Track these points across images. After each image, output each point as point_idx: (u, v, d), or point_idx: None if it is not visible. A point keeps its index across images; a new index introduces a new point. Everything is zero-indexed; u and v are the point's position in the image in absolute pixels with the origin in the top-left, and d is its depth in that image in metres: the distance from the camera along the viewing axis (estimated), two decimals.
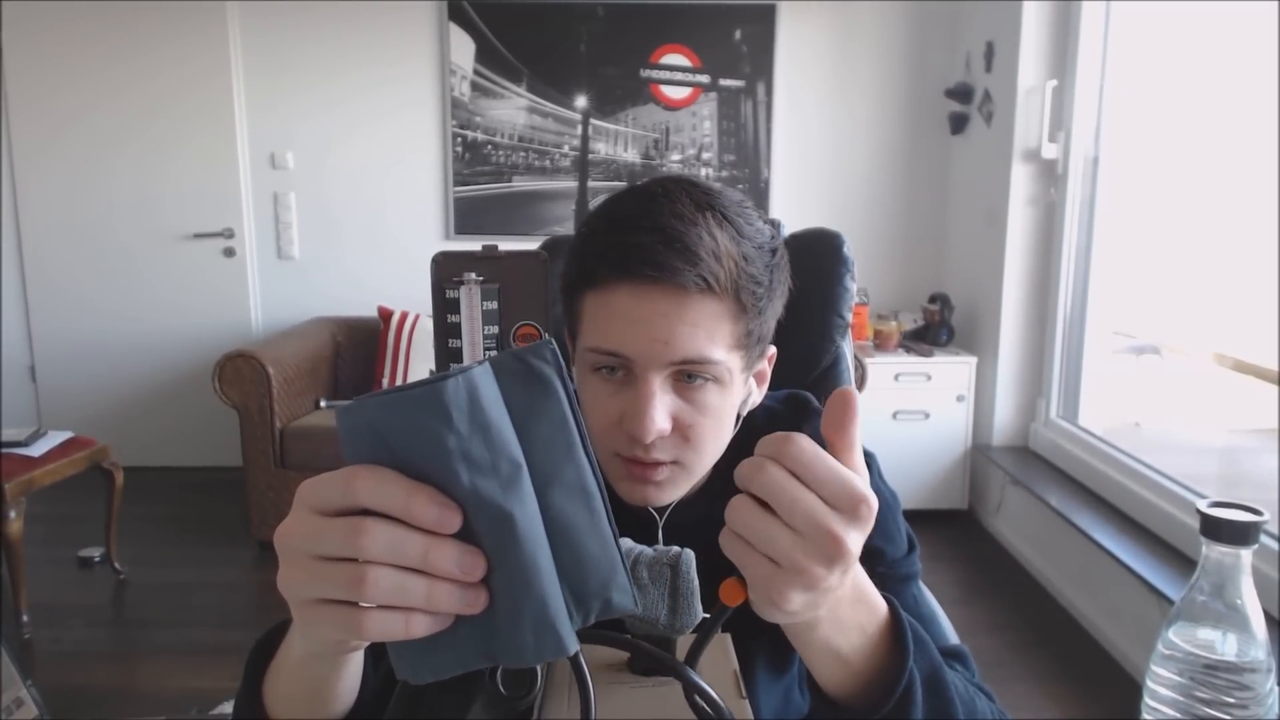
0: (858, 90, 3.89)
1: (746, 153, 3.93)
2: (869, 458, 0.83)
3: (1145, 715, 0.59)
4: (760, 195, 3.92)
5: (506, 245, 0.55)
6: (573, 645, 0.42)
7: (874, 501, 0.48)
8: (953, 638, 0.92)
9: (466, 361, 0.56)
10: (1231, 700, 0.55)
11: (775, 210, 3.92)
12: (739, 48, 3.83)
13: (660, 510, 0.81)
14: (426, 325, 3.59)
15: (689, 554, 0.55)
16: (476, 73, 3.85)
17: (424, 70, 3.87)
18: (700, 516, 0.75)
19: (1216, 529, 0.56)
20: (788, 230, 1.09)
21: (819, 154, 3.94)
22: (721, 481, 0.80)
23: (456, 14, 3.80)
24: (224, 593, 2.97)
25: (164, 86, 3.82)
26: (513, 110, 3.88)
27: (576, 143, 3.92)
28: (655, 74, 3.86)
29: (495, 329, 0.56)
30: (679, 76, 3.86)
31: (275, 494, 3.14)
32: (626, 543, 0.54)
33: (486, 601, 0.42)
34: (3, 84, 3.83)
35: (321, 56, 3.86)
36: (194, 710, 2.22)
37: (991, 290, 3.43)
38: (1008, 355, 3.39)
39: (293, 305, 3.99)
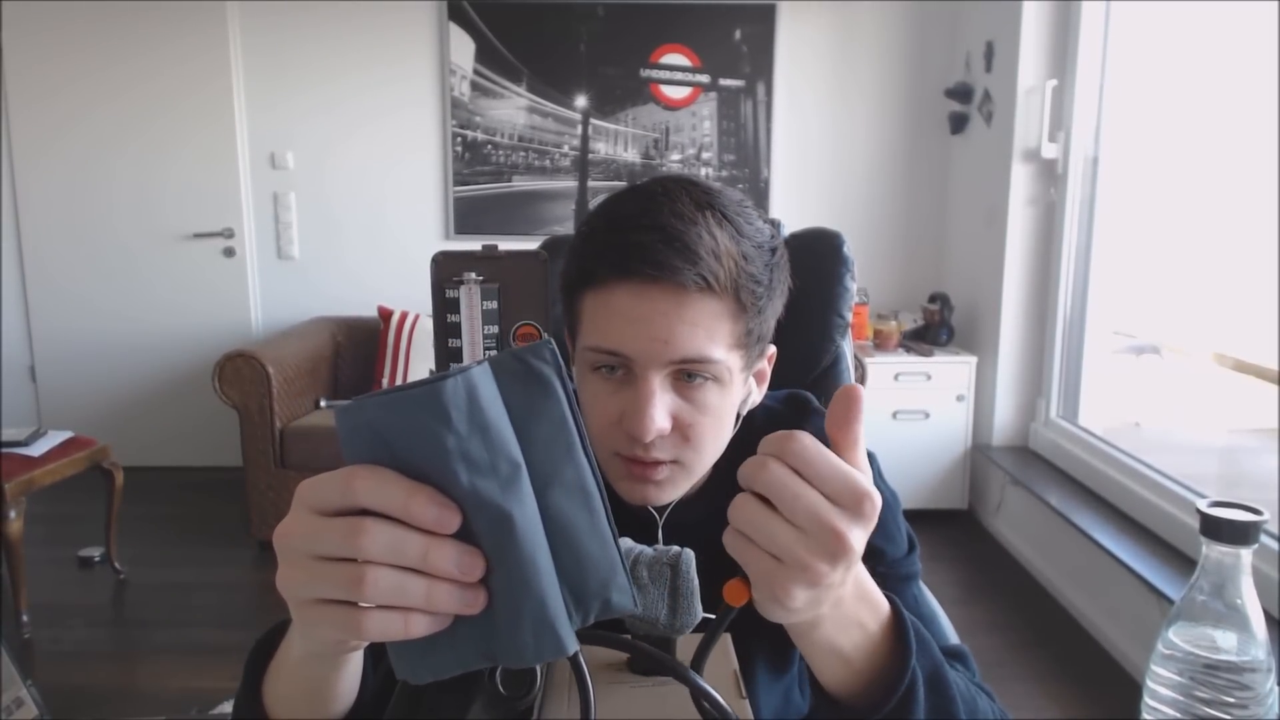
0: (858, 90, 3.89)
1: (746, 152, 3.93)
2: (870, 457, 0.83)
3: (1145, 715, 0.59)
4: (760, 195, 3.92)
5: (506, 245, 0.55)
6: (572, 645, 0.42)
7: (877, 498, 0.47)
8: (953, 637, 0.92)
9: (466, 361, 0.56)
10: (1231, 700, 0.55)
11: (775, 210, 3.92)
12: (739, 48, 3.83)
13: (660, 510, 0.81)
14: (426, 325, 3.59)
15: (689, 554, 0.55)
16: (476, 72, 3.85)
17: (424, 70, 3.87)
18: (700, 516, 0.75)
19: (1216, 529, 0.56)
20: (788, 230, 1.09)
21: (819, 154, 3.94)
22: (721, 481, 0.80)
23: (456, 14, 3.80)
24: (224, 593, 2.97)
25: (164, 86, 3.82)
26: (513, 110, 3.88)
27: (576, 142, 3.92)
28: (655, 74, 3.86)
29: (495, 329, 0.56)
30: (679, 76, 3.86)
31: (275, 494, 3.14)
32: (626, 542, 0.54)
33: (486, 602, 0.42)
34: (3, 84, 3.83)
35: (321, 56, 3.86)
36: (194, 710, 2.22)
37: (991, 290, 3.43)
38: (1008, 355, 3.39)
39: (293, 305, 3.99)
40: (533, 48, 3.83)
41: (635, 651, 0.52)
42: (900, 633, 0.58)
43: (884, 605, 0.58)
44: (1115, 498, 2.80)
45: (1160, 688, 0.58)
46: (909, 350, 3.52)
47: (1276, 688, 0.56)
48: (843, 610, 0.54)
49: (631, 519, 0.80)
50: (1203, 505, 0.57)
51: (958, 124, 3.73)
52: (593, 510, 0.43)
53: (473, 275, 0.56)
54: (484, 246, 0.56)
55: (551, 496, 0.42)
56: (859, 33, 3.85)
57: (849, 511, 0.47)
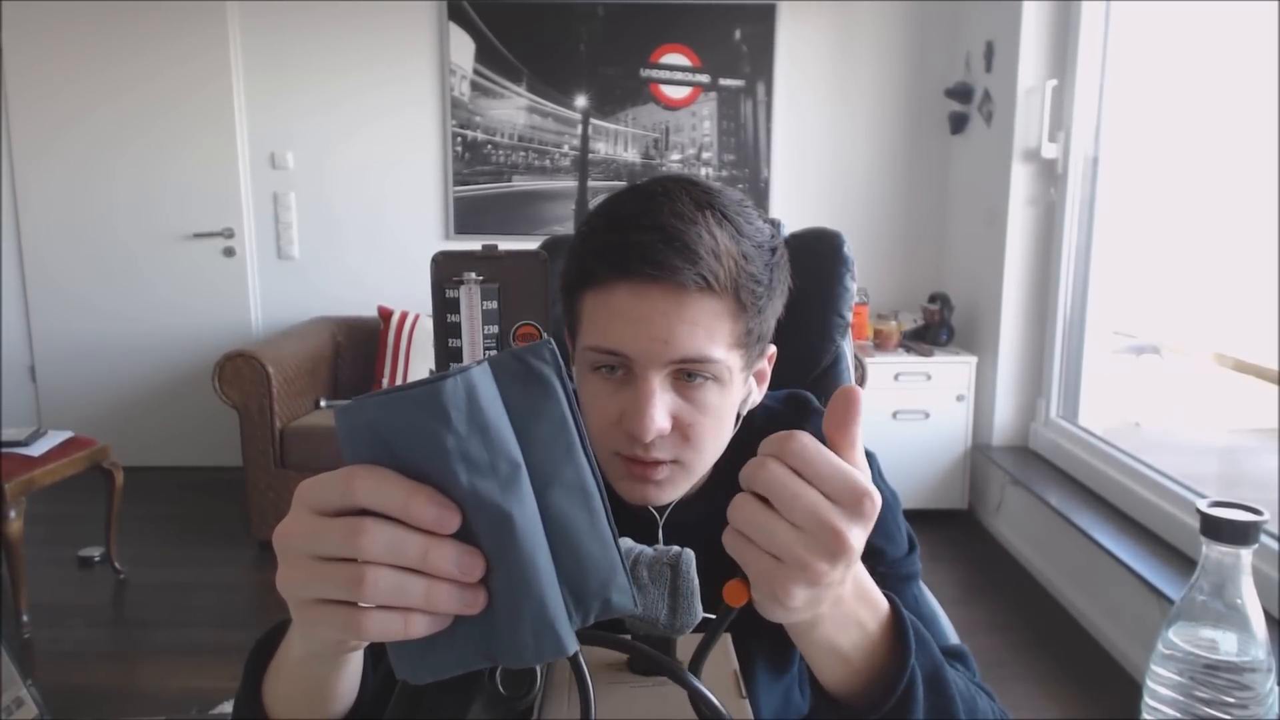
0: (858, 90, 3.89)
1: (746, 152, 3.93)
2: (870, 457, 0.83)
3: (1145, 715, 0.59)
4: (760, 195, 3.92)
5: (506, 245, 0.55)
6: (572, 645, 0.42)
7: (877, 497, 0.47)
8: (953, 637, 0.92)
9: (466, 361, 0.56)
10: (1231, 700, 0.55)
11: (775, 210, 3.92)
12: (739, 47, 3.83)
13: (660, 509, 0.81)
14: (426, 325, 3.59)
15: (689, 554, 0.55)
16: (476, 72, 3.85)
17: (424, 70, 3.87)
18: (700, 516, 0.75)
19: (1216, 529, 0.56)
20: (788, 230, 1.09)
21: (819, 154, 3.94)
22: (722, 481, 0.80)
23: (456, 14, 3.80)
24: (224, 593, 2.97)
25: (164, 86, 3.82)
26: (513, 110, 3.88)
27: (576, 142, 3.92)
28: (655, 74, 3.86)
29: (495, 328, 0.56)
30: (679, 76, 3.86)
31: (275, 494, 3.14)
32: (626, 542, 0.54)
33: (485, 602, 0.42)
34: (3, 84, 3.83)
35: (321, 56, 3.86)
36: (194, 710, 2.23)
37: (991, 290, 3.43)
38: (1008, 355, 3.39)
39: (293, 305, 3.99)
40: (533, 48, 3.83)
41: (634, 653, 0.52)
42: (899, 632, 0.58)
43: (883, 604, 0.58)
44: (1115, 498, 2.80)
45: (1160, 688, 0.58)
46: (909, 350, 3.52)
47: (1276, 688, 0.56)
48: (842, 609, 0.54)
49: (631, 519, 0.80)
50: (1203, 505, 0.57)
51: (958, 124, 3.73)
52: (593, 510, 0.43)
53: (473, 275, 0.56)
54: (484, 246, 0.56)
55: (551, 496, 0.42)
56: (859, 33, 3.85)
57: (848, 510, 0.47)
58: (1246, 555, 0.56)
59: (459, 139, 3.90)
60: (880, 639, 0.57)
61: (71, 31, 3.78)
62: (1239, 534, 0.55)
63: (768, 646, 0.81)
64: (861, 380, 3.14)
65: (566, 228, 3.94)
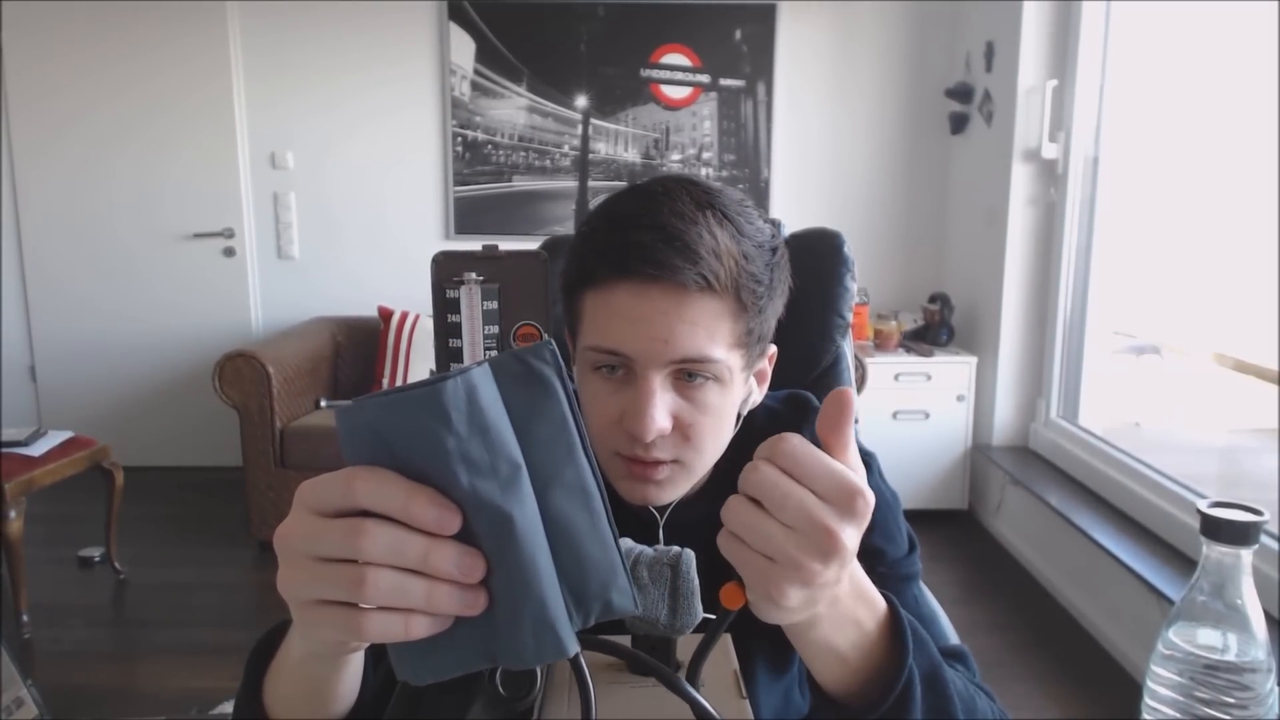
0: (858, 90, 3.89)
1: (746, 153, 3.93)
2: (869, 458, 0.83)
3: (1145, 715, 0.59)
4: (760, 195, 3.92)
5: (506, 245, 0.55)
6: (573, 647, 0.42)
7: (870, 496, 0.47)
8: (953, 638, 0.92)
9: (467, 361, 0.56)
10: (1231, 700, 0.55)
11: (775, 210, 3.92)
12: (739, 48, 3.83)
13: (661, 509, 0.81)
14: (426, 325, 3.59)
15: (689, 554, 0.55)
16: (476, 72, 3.85)
17: (424, 70, 3.87)
18: (701, 516, 0.75)
19: (1216, 529, 0.56)
20: (788, 230, 1.09)
21: (819, 154, 3.94)
22: (722, 481, 0.80)
23: (456, 14, 3.80)
24: (224, 593, 2.97)
25: (164, 86, 3.82)
26: (513, 110, 3.88)
27: (576, 142, 3.92)
28: (655, 74, 3.86)
29: (495, 329, 0.56)
30: (679, 76, 3.86)
31: (275, 494, 3.14)
32: (626, 543, 0.54)
33: (486, 603, 0.42)
34: (3, 84, 3.83)
35: (321, 56, 3.86)
36: (194, 710, 2.22)
37: (991, 290, 3.43)
38: (1008, 355, 3.39)
39: (293, 305, 3.99)
40: (533, 48, 3.83)
41: (633, 661, 0.52)
42: (897, 632, 0.58)
43: (881, 604, 0.58)
44: (1115, 498, 2.80)
45: (1160, 688, 0.58)
46: (909, 350, 3.52)
47: (1276, 688, 0.56)
48: (839, 609, 0.54)
49: (632, 519, 0.80)
50: (1203, 505, 0.57)
51: (958, 124, 3.73)
52: (593, 511, 0.43)
53: (473, 275, 0.56)
54: (484, 246, 0.56)
55: (552, 497, 0.42)
56: (859, 33, 3.85)
57: (840, 509, 0.47)
58: (1246, 555, 0.56)
59: (459, 139, 3.90)
60: (878, 639, 0.57)
61: (71, 31, 3.78)
62: (1239, 534, 0.55)
63: (768, 647, 0.81)
64: (862, 380, 3.14)
65: (567, 228, 3.94)
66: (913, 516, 1.97)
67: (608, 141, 3.91)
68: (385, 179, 3.96)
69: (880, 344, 3.55)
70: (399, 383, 3.50)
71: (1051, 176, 3.23)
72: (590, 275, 0.72)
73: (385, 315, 3.62)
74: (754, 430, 0.79)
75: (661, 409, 0.70)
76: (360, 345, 3.70)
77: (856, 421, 0.54)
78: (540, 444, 0.42)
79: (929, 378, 3.42)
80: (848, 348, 1.14)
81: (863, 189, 3.95)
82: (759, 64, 3.84)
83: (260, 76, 3.87)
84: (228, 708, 2.17)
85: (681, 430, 0.72)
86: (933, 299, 3.63)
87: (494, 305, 0.56)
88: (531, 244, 0.75)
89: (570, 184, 3.95)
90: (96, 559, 3.09)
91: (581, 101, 3.87)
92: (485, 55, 3.83)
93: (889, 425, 3.41)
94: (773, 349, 0.81)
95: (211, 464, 4.07)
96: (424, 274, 0.93)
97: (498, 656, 0.42)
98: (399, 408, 0.39)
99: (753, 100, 3.88)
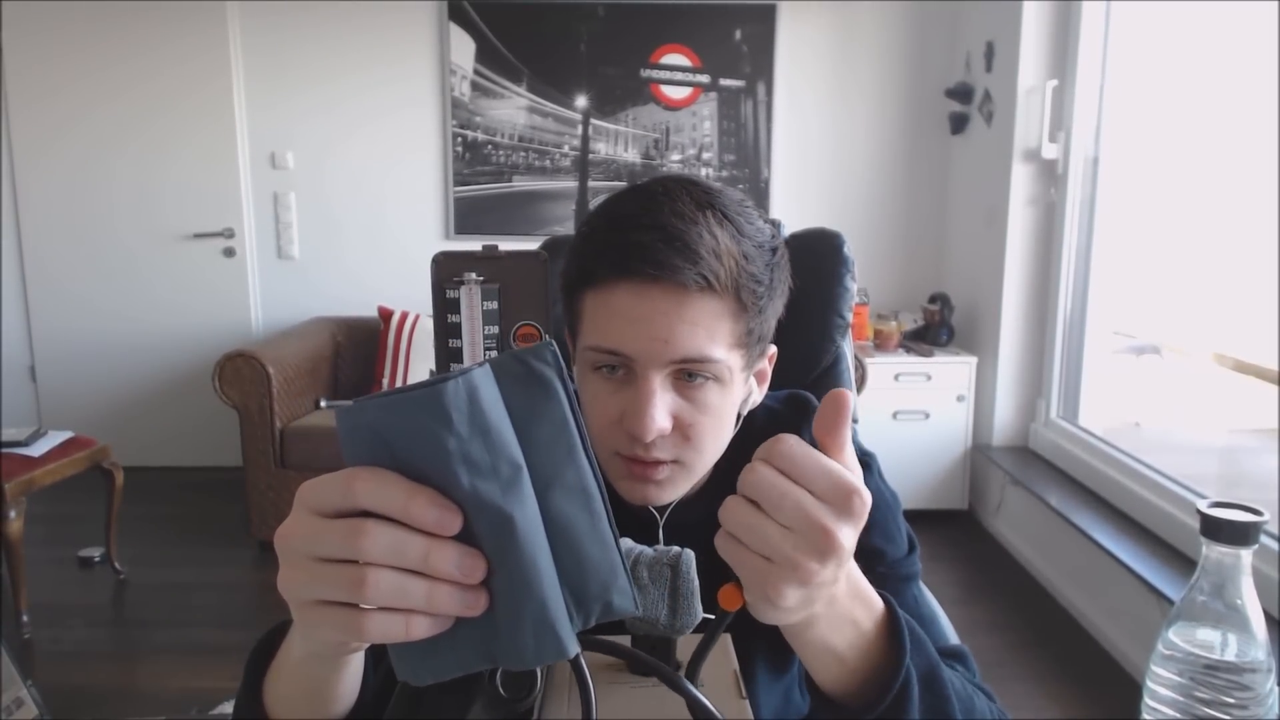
0: (858, 90, 3.89)
1: (746, 153, 3.93)
2: (869, 458, 0.83)
3: (1145, 715, 0.59)
4: (760, 195, 3.92)
5: (506, 245, 0.55)
6: (573, 648, 0.42)
7: (866, 495, 0.48)
8: (953, 638, 0.92)
9: (467, 361, 0.56)
10: (1231, 700, 0.55)
11: (775, 210, 3.92)
12: (739, 48, 3.83)
13: (661, 510, 0.81)
14: (426, 325, 3.59)
15: (689, 554, 0.55)
16: (476, 73, 3.85)
17: (424, 70, 3.87)
18: (701, 516, 0.74)
19: (1216, 529, 0.56)
20: (788, 230, 1.09)
21: (819, 154, 3.94)
22: (722, 481, 0.80)
23: (456, 14, 3.80)
24: (224, 593, 2.97)
25: (164, 86, 3.82)
26: (513, 110, 3.88)
27: (576, 143, 3.92)
28: (655, 74, 3.86)
29: (495, 329, 0.56)
30: (679, 76, 3.86)
31: (275, 494, 3.14)
32: (626, 543, 0.54)
33: (487, 603, 0.42)
34: (3, 84, 3.83)
35: (321, 56, 3.86)
36: (194, 710, 2.22)
37: (991, 290, 3.43)
38: (1008, 355, 3.39)
39: (293, 305, 3.99)
40: (533, 48, 3.83)
41: (633, 661, 0.52)
42: (894, 631, 0.58)
43: (878, 604, 0.58)
44: (1115, 498, 2.80)
45: (1160, 688, 0.58)
46: (909, 350, 3.52)
47: (1276, 688, 0.56)
48: (836, 609, 0.54)
49: (632, 519, 0.80)
50: (1203, 505, 0.57)
51: (958, 124, 3.73)
52: (594, 512, 0.43)
53: (473, 275, 0.56)
54: (484, 247, 0.56)
55: (552, 498, 0.42)
56: (859, 33, 3.85)
57: (837, 509, 0.47)
58: (1246, 556, 0.56)
59: (459, 139, 3.90)
60: (875, 638, 0.57)
61: (71, 31, 3.78)
62: (1239, 534, 0.55)
63: (767, 647, 0.81)
64: (861, 380, 3.14)
65: (567, 228, 3.94)
66: (913, 516, 1.97)
67: (608, 142, 3.91)
68: (385, 179, 3.96)
69: (880, 344, 3.55)
70: (399, 383, 3.50)
71: (1051, 176, 3.23)
72: (590, 275, 0.72)
73: (385, 315, 3.62)
74: (754, 430, 0.79)
75: (661, 409, 0.70)
76: (360, 345, 3.70)
77: (855, 421, 0.54)
78: (541, 445, 0.42)
79: (929, 378, 3.42)
80: (848, 348, 1.14)
81: (863, 189, 3.95)
82: (759, 64, 3.84)
83: (260, 76, 3.87)
84: (228, 708, 2.17)
85: (681, 430, 0.72)
86: (933, 299, 3.63)
87: (494, 305, 0.56)
88: (531, 244, 0.75)
89: (570, 184, 3.95)
90: (96, 559, 3.09)
91: (581, 101, 3.87)
92: (485, 55, 3.83)
93: (889, 425, 3.41)
94: (773, 349, 0.81)
95: (211, 464, 4.07)
96: (424, 274, 0.93)
97: (498, 657, 0.42)
98: (399, 408, 0.39)
99: (753, 100, 3.88)
